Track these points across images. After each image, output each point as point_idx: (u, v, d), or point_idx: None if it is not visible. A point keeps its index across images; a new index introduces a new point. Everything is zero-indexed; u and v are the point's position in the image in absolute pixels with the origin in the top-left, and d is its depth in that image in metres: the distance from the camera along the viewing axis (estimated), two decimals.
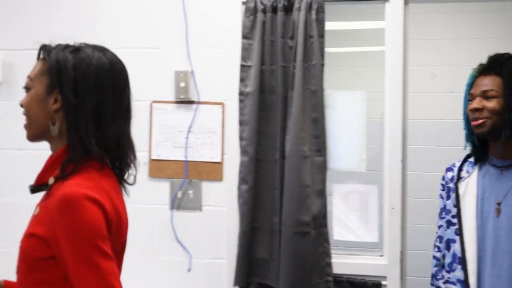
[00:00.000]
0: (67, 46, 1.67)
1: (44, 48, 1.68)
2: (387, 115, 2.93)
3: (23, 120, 3.21)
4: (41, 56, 1.68)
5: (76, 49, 1.65)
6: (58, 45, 1.68)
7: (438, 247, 2.35)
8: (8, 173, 3.17)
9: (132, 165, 1.72)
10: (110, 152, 1.62)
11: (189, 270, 3.01)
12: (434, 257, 2.37)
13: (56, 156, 1.63)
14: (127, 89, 1.70)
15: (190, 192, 3.02)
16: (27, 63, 3.15)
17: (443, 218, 2.32)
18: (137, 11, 3.09)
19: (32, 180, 3.14)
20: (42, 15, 3.16)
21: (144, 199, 3.05)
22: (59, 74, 1.60)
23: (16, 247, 1.63)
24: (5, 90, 3.15)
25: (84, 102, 1.58)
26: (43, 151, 3.15)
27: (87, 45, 1.68)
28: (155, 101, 3.06)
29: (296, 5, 2.87)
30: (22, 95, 3.19)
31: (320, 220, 2.85)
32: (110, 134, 1.60)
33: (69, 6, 3.14)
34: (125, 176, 1.72)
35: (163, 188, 3.06)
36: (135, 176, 1.74)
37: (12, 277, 1.70)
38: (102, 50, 1.68)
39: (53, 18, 3.15)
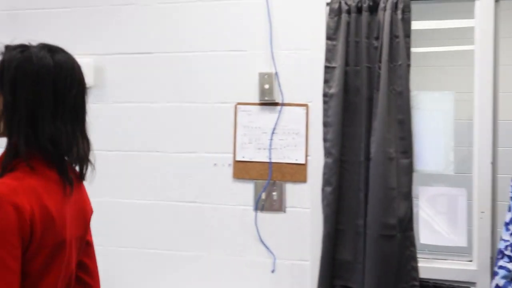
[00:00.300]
0: (18, 46, 1.67)
1: (5, 49, 1.69)
2: (477, 116, 2.84)
3: (114, 122, 3.36)
4: None
5: (24, 49, 1.65)
6: (14, 45, 1.68)
7: (509, 257, 2.18)
8: (100, 173, 3.28)
9: (81, 163, 1.74)
10: (45, 151, 1.62)
11: (273, 271, 3.02)
12: (503, 267, 2.15)
13: (2, 153, 1.65)
14: (73, 89, 1.67)
15: (274, 193, 3.03)
16: (117, 67, 3.30)
17: None
18: (221, 15, 3.13)
19: (120, 184, 3.25)
20: (132, 21, 3.26)
21: (228, 200, 3.10)
22: (2, 74, 1.62)
23: None
24: (96, 93, 3.26)
25: (20, 101, 1.59)
26: (133, 152, 3.27)
27: (38, 45, 1.68)
28: (239, 103, 3.09)
29: (382, 5, 2.83)
30: (112, 98, 3.33)
31: (406, 223, 2.80)
32: (45, 133, 1.60)
33: (157, 12, 3.22)
34: (84, 173, 1.76)
35: (247, 189, 3.08)
36: (84, 173, 1.77)
37: None
38: (52, 50, 1.68)
39: (142, 23, 3.24)
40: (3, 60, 1.64)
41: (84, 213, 1.80)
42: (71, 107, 1.67)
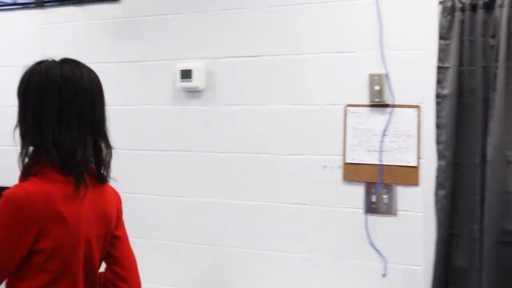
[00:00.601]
0: (38, 62, 1.83)
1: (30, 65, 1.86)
2: None
3: (224, 124, 3.42)
4: None
5: (40, 64, 1.82)
6: (37, 61, 1.85)
7: None
8: (210, 175, 3.37)
9: (98, 166, 1.87)
10: (50, 155, 1.73)
11: (384, 275, 2.97)
12: None
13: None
14: (78, 98, 1.79)
15: (385, 196, 2.99)
16: (227, 70, 3.37)
17: None
18: (330, 16, 3.12)
19: (229, 185, 3.28)
20: (241, 25, 3.31)
21: (338, 203, 3.08)
22: (19, 87, 1.82)
23: None
24: (207, 96, 3.35)
25: (28, 111, 1.77)
26: (242, 154, 3.32)
27: (53, 60, 1.83)
28: (349, 105, 3.07)
29: (498, 1, 2.73)
30: (223, 100, 3.39)
31: None
32: (49, 138, 1.73)
33: (266, 15, 3.25)
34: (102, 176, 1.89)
35: (357, 192, 3.05)
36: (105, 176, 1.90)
37: None
38: (64, 63, 1.83)
39: (251, 27, 3.29)
40: (22, 76, 1.83)
41: (104, 213, 1.90)
42: (78, 113, 1.79)
